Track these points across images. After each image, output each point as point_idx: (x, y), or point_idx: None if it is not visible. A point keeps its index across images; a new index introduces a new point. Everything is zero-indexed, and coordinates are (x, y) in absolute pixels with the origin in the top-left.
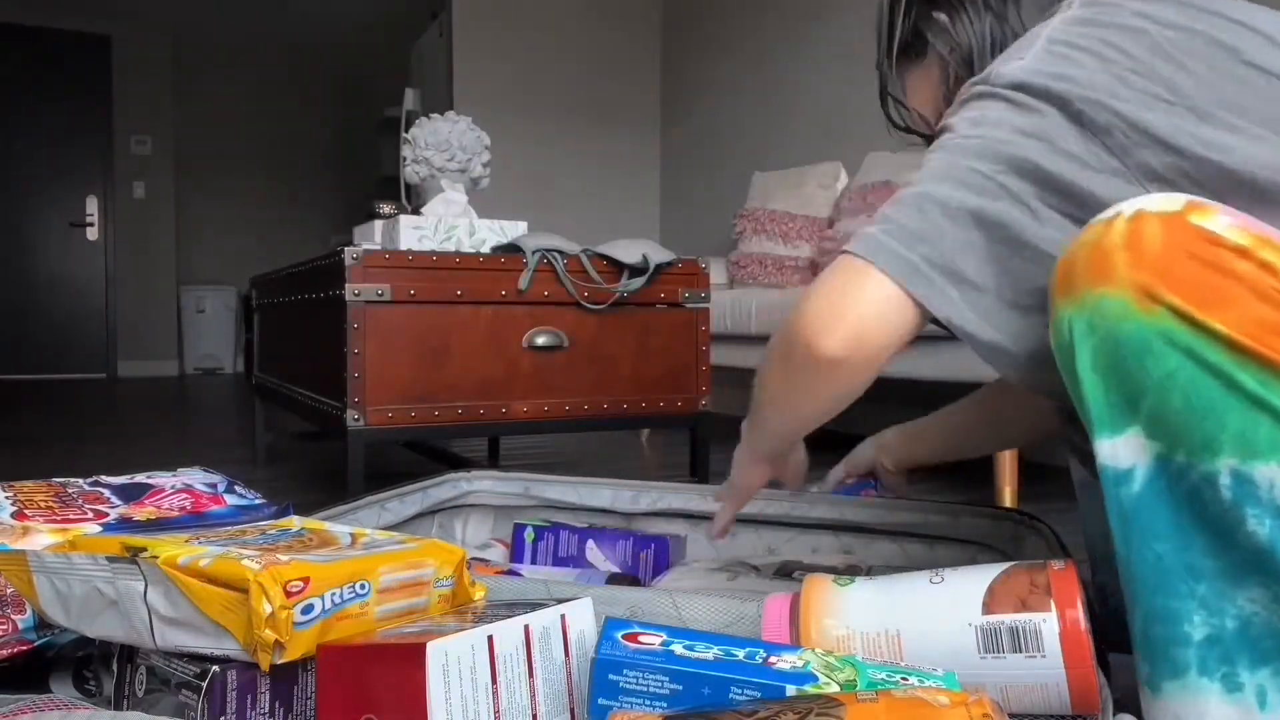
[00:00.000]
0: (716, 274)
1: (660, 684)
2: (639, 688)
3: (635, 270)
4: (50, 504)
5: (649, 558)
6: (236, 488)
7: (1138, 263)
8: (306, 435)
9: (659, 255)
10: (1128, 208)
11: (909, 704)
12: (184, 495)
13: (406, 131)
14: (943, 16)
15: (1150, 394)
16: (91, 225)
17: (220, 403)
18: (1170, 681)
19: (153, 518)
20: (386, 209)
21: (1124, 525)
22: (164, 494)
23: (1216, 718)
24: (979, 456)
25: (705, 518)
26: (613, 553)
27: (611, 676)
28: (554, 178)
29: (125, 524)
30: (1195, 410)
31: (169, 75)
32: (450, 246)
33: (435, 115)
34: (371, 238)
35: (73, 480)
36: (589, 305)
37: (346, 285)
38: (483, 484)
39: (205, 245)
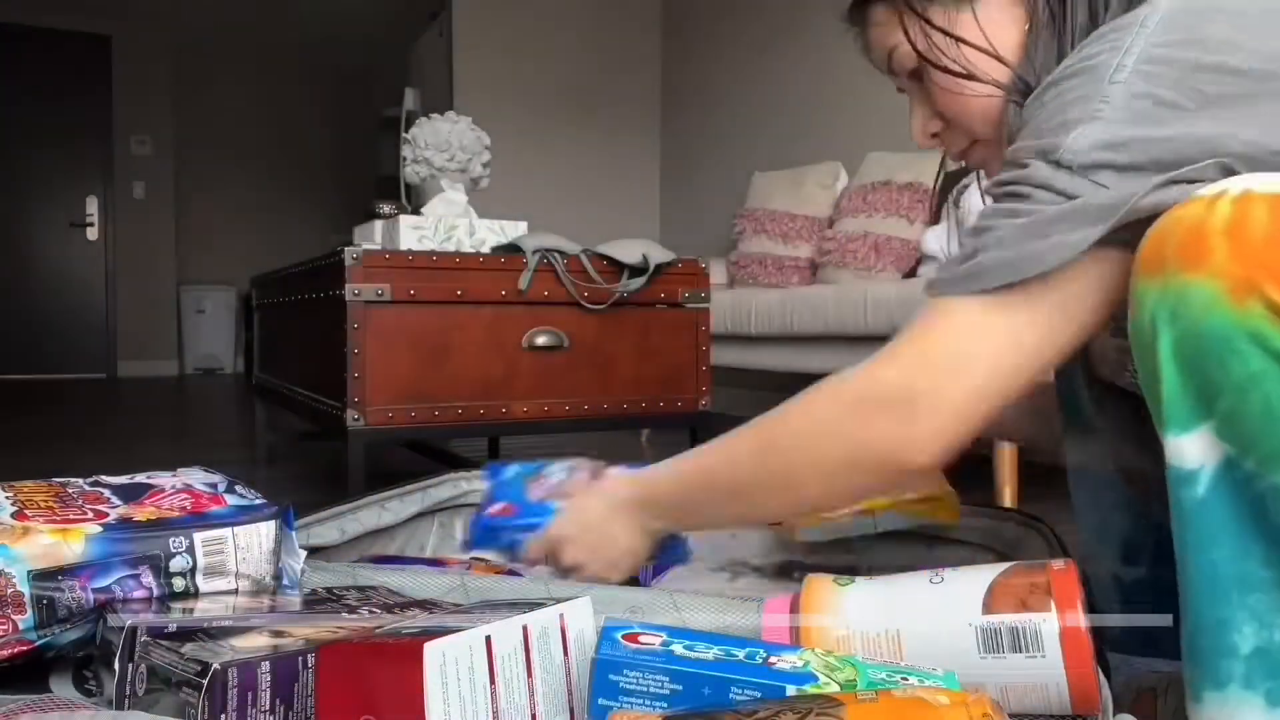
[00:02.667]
0: (716, 274)
1: (660, 684)
2: (639, 688)
3: (635, 270)
4: (50, 504)
5: None
6: (237, 488)
7: (1238, 253)
8: (306, 435)
9: (659, 255)
10: (1235, 185)
11: (909, 704)
12: (184, 495)
13: (406, 131)
14: None
15: (1228, 394)
16: (91, 225)
17: (220, 403)
18: (1212, 692)
19: (153, 518)
20: (386, 209)
21: (1183, 528)
22: (164, 494)
23: None
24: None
25: None
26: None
27: (611, 677)
28: (554, 178)
29: (126, 524)
30: (1273, 417)
31: (169, 75)
32: (450, 246)
33: (435, 115)
34: (371, 238)
35: (73, 480)
36: (589, 305)
37: (346, 285)
38: (482, 484)
39: (205, 245)
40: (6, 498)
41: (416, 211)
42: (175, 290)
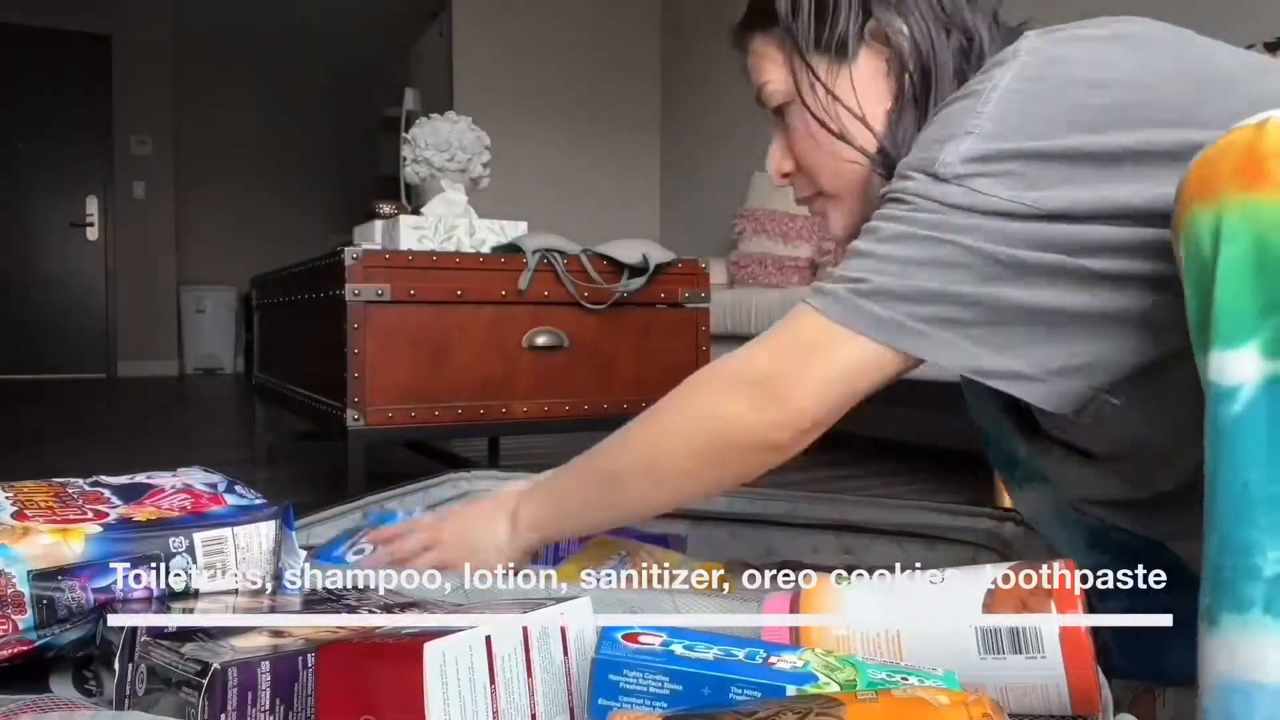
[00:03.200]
0: (716, 274)
1: (660, 684)
2: (639, 688)
3: (635, 270)
4: (50, 504)
5: None
6: (237, 487)
7: None
8: (306, 435)
9: (659, 255)
10: (1278, 112)
11: (909, 704)
12: (184, 495)
13: (406, 131)
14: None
15: None
16: (91, 225)
17: (220, 403)
18: (1230, 615)
19: (153, 518)
20: (386, 209)
21: (1216, 445)
22: (164, 494)
23: (1275, 658)
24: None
25: (706, 518)
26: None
27: (611, 677)
28: (554, 178)
29: (126, 524)
30: None
31: (169, 75)
32: (450, 246)
33: (435, 115)
34: (371, 238)
35: (72, 480)
36: (589, 305)
37: (346, 285)
38: (483, 484)
39: (205, 245)
40: (6, 498)
41: (416, 211)
42: (175, 290)
